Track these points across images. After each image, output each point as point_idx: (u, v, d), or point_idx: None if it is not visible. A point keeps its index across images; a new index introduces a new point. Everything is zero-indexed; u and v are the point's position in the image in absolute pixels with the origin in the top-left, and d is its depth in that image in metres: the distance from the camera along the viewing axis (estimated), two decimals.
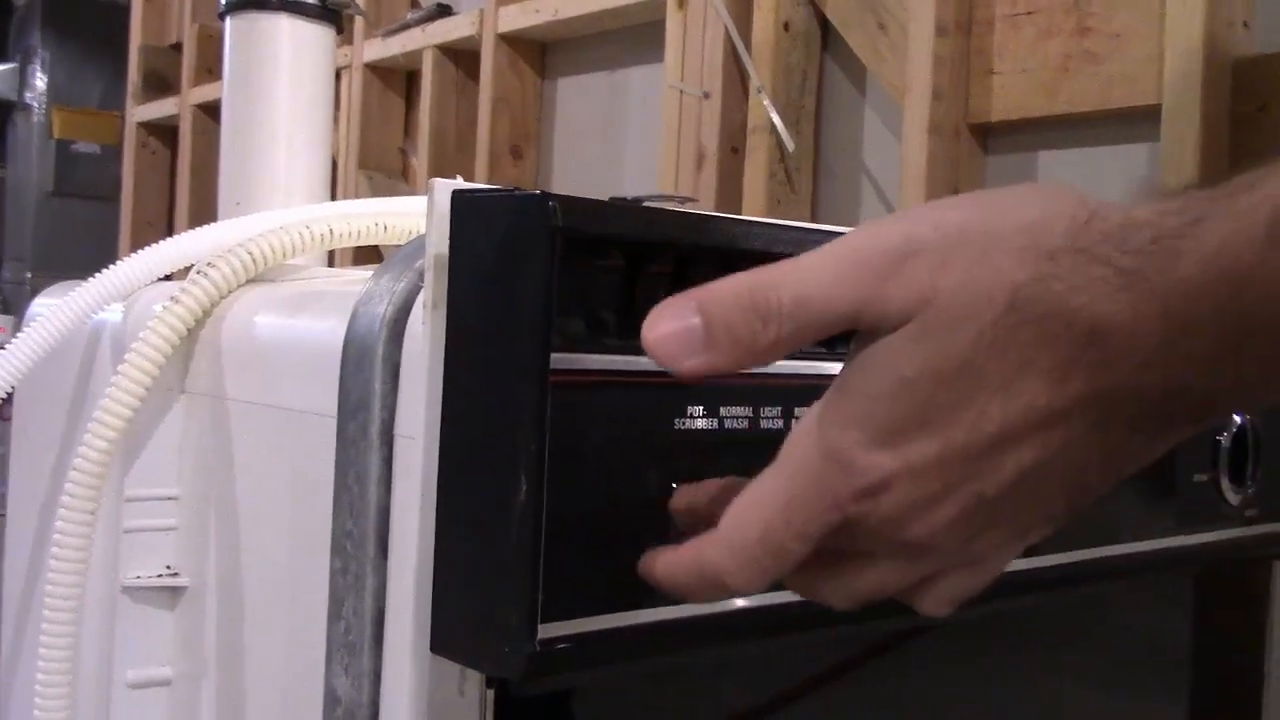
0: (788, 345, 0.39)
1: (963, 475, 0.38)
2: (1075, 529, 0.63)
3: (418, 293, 0.51)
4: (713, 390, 0.49)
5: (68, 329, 0.68)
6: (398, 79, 2.34)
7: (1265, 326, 0.35)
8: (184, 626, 0.66)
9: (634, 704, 0.55)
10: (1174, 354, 0.36)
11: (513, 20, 2.00)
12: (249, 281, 0.68)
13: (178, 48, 2.98)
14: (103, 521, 0.64)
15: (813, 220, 1.55)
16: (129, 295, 0.71)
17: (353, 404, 0.52)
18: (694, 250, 0.48)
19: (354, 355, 0.52)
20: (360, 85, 2.31)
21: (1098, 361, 0.36)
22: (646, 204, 0.54)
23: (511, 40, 2.04)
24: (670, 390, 0.48)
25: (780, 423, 0.51)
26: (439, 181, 0.47)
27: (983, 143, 1.39)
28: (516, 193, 0.45)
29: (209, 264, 0.67)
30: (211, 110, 2.70)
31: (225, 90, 0.92)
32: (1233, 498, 0.74)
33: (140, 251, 0.71)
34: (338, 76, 1.76)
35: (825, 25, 1.56)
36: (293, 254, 0.70)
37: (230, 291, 0.67)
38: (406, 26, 2.21)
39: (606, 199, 0.48)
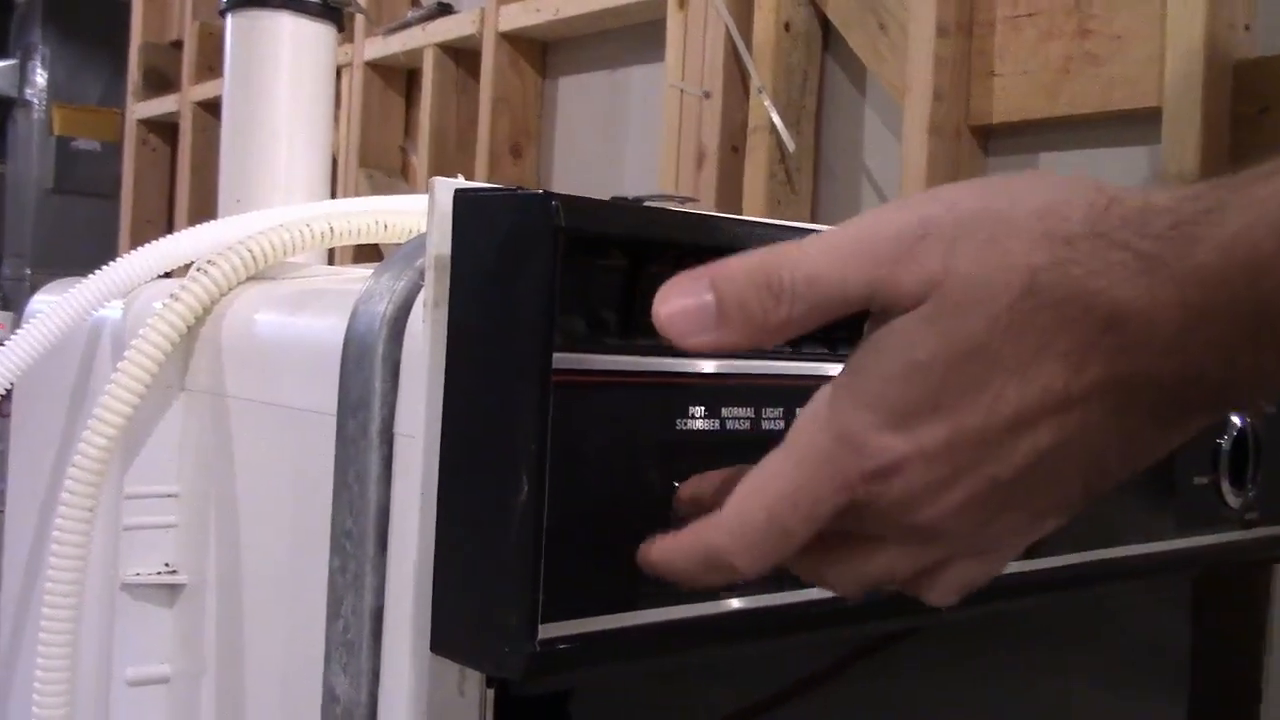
0: (799, 325, 0.39)
1: (976, 459, 0.38)
2: (1075, 531, 0.63)
3: (418, 291, 0.50)
4: (714, 391, 0.49)
5: (67, 326, 0.67)
6: (398, 77, 2.34)
7: None
8: (183, 624, 0.66)
9: (634, 704, 0.55)
10: (1192, 340, 0.36)
11: (513, 19, 2.00)
12: (249, 279, 0.68)
13: (178, 45, 2.98)
14: (102, 519, 0.64)
15: (813, 220, 1.55)
16: (129, 292, 0.71)
17: (353, 402, 0.52)
18: (695, 250, 0.48)
19: (354, 353, 0.52)
20: (361, 83, 2.31)
21: (1116, 346, 0.36)
22: (647, 204, 0.54)
23: (512, 39, 2.04)
24: (672, 390, 0.47)
25: (781, 424, 0.51)
26: (440, 180, 0.47)
27: (983, 144, 1.39)
28: (518, 192, 0.45)
29: (209, 261, 0.67)
30: (212, 108, 2.70)
31: (226, 88, 0.91)
32: (1233, 500, 0.74)
33: (140, 248, 0.71)
34: (338, 74, 1.76)
35: (826, 25, 1.56)
36: (293, 252, 0.70)
37: (230, 289, 0.67)
38: (407, 25, 2.21)
39: (607, 198, 0.48)
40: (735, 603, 0.50)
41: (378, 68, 2.31)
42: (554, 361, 0.43)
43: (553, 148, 2.09)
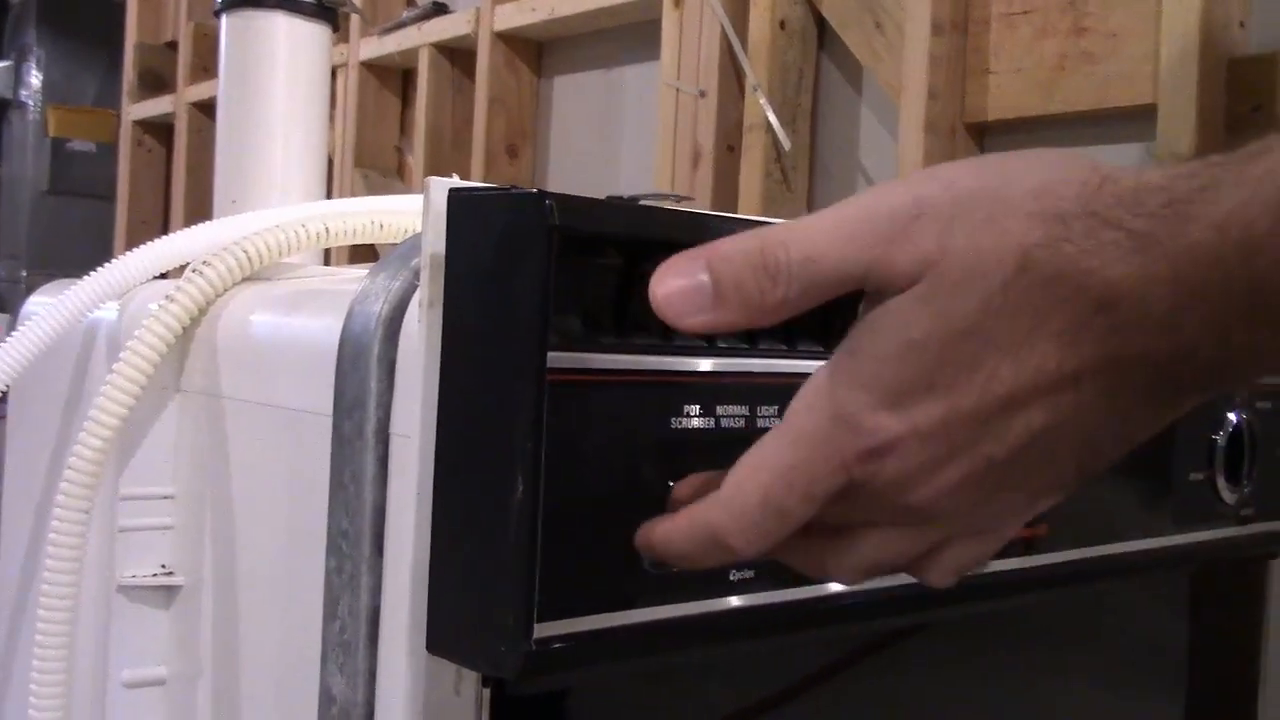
0: (795, 305, 0.39)
1: (970, 438, 0.38)
2: (1072, 528, 0.63)
3: (413, 291, 0.50)
4: (709, 389, 0.49)
5: (63, 327, 0.67)
6: (394, 77, 2.34)
7: (1277, 293, 0.35)
8: (179, 626, 0.66)
9: (631, 703, 0.55)
10: (1185, 319, 0.36)
11: (509, 19, 2.00)
12: (244, 280, 0.68)
13: (173, 46, 2.98)
14: (98, 520, 0.64)
15: None
16: (124, 293, 0.71)
17: (348, 403, 0.52)
18: (690, 249, 0.48)
19: (349, 354, 0.52)
20: (356, 83, 2.31)
21: (1109, 325, 0.36)
22: (643, 202, 0.54)
23: (508, 39, 2.04)
24: (667, 389, 0.47)
25: (777, 422, 0.51)
26: (435, 180, 0.47)
27: (979, 142, 1.39)
28: (513, 191, 0.45)
29: (204, 262, 0.67)
30: (207, 108, 2.70)
31: (221, 88, 0.91)
32: (1228, 496, 0.74)
33: (135, 250, 0.71)
34: (334, 75, 1.76)
35: (821, 24, 1.56)
36: (288, 252, 0.70)
37: (226, 290, 0.67)
38: (402, 25, 2.21)
39: (602, 198, 0.48)
40: (733, 601, 0.50)
41: (373, 68, 2.31)
42: (549, 360, 0.43)
43: (548, 147, 2.09)
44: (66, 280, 0.72)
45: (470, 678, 0.48)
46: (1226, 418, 0.73)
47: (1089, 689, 0.77)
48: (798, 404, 0.40)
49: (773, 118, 1.52)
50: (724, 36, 1.60)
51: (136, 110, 3.10)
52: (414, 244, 0.51)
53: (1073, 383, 0.37)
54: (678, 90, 1.66)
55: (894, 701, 0.66)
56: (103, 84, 4.27)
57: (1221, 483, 0.73)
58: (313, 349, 0.56)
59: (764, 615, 0.50)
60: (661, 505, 0.47)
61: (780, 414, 0.51)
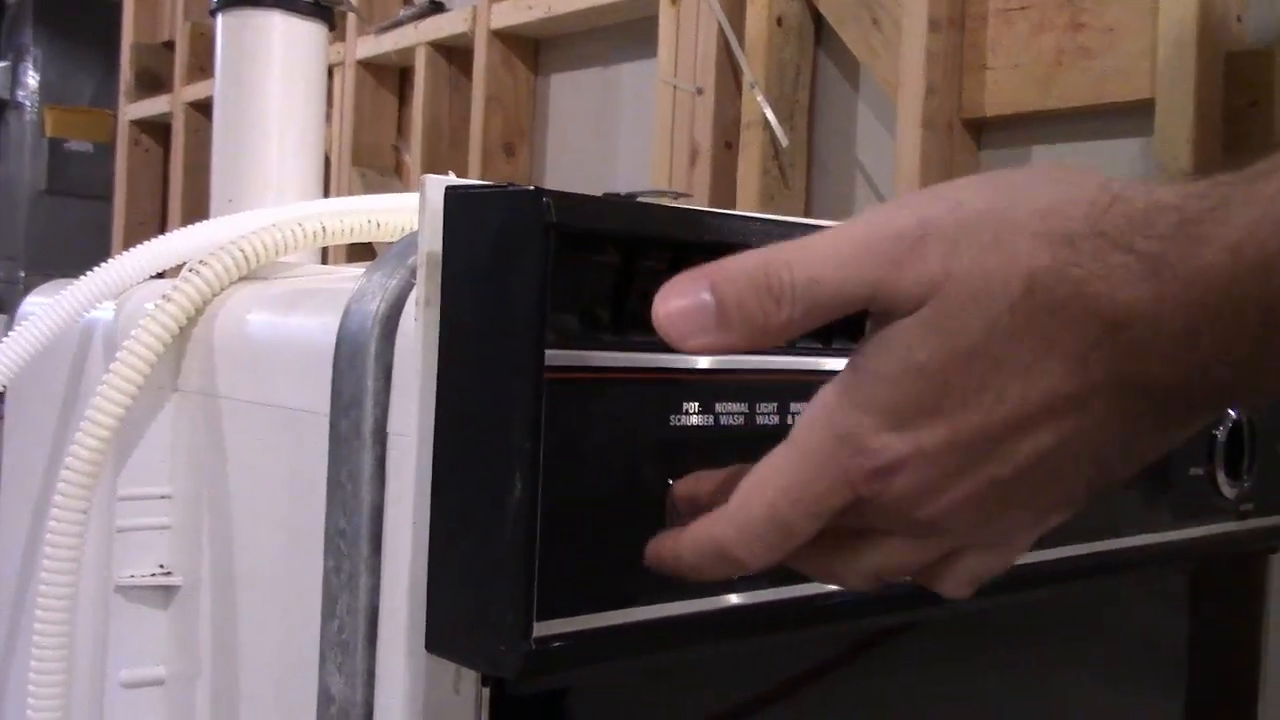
0: (799, 326, 0.39)
1: (976, 458, 0.38)
2: (1071, 524, 0.63)
3: (410, 290, 0.50)
4: (708, 386, 0.49)
5: (59, 328, 0.67)
6: (391, 76, 2.34)
7: None
8: (178, 626, 0.66)
9: (631, 701, 0.55)
10: (1198, 341, 0.35)
11: (505, 17, 2.00)
12: (241, 279, 0.68)
13: (170, 45, 2.98)
14: (95, 521, 0.64)
15: (807, 215, 1.55)
16: (120, 293, 0.71)
17: (345, 401, 0.52)
18: (688, 246, 0.48)
19: (346, 353, 0.52)
20: (353, 82, 2.30)
21: (1120, 349, 0.36)
22: (640, 200, 0.54)
23: (504, 37, 2.03)
24: (666, 386, 0.47)
25: (776, 418, 0.51)
26: (432, 178, 0.47)
27: (976, 138, 1.38)
28: (510, 189, 0.45)
29: (201, 262, 0.67)
30: (204, 108, 2.70)
31: (217, 87, 0.91)
32: (1228, 491, 0.74)
33: (132, 249, 0.71)
34: (330, 73, 1.76)
35: (818, 20, 1.56)
36: (285, 251, 0.70)
37: (222, 289, 0.67)
38: (399, 23, 2.20)
39: (600, 195, 0.48)
40: (733, 598, 0.49)
41: (370, 66, 2.31)
42: (547, 359, 0.43)
43: (545, 145, 2.08)
44: (63, 281, 0.72)
45: (469, 677, 0.48)
46: (1226, 413, 0.73)
47: (1089, 685, 0.77)
48: (804, 421, 0.40)
49: (770, 115, 1.52)
50: (721, 33, 1.60)
51: (133, 110, 3.10)
52: (410, 242, 0.51)
53: (1081, 405, 0.37)
54: (675, 87, 1.66)
55: (894, 698, 0.66)
56: (100, 84, 4.26)
57: (1221, 478, 0.73)
58: (309, 348, 0.56)
59: (763, 613, 0.50)
60: (661, 503, 0.47)
61: (779, 411, 0.51)
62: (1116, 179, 0.37)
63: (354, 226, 0.75)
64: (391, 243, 0.55)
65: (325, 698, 0.52)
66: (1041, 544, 0.61)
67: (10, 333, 0.68)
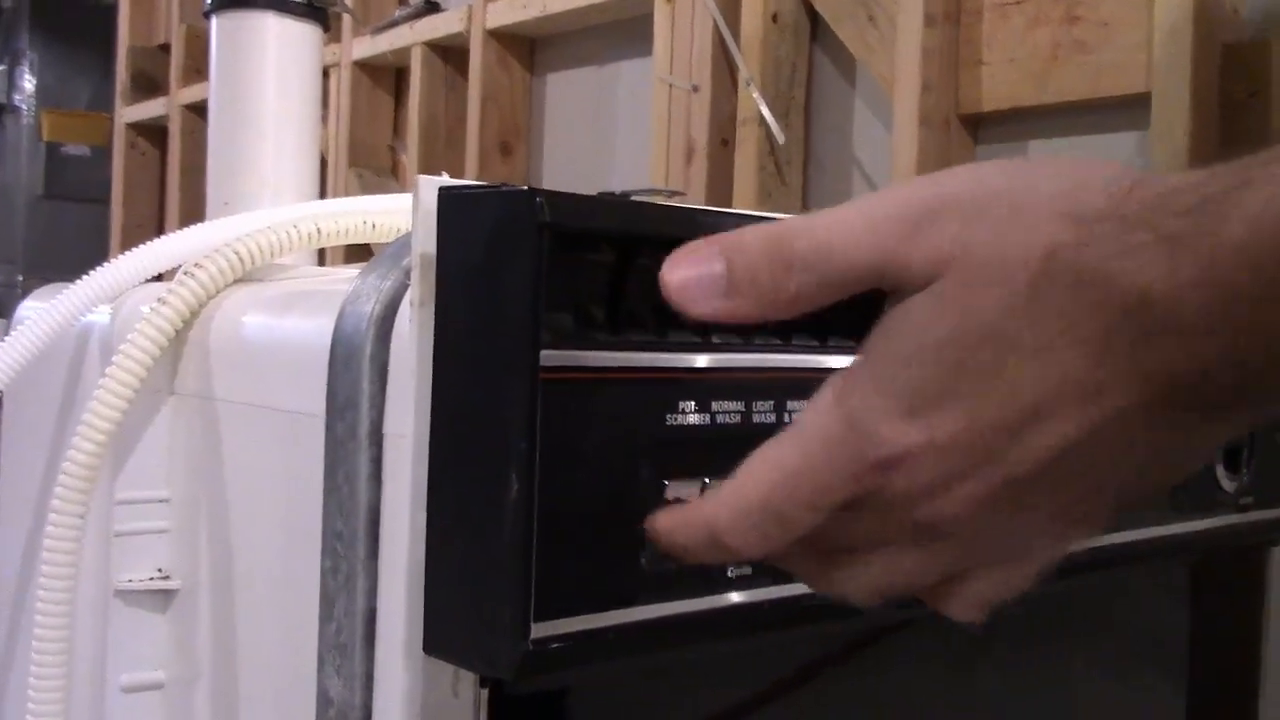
0: (811, 299, 0.38)
1: (990, 450, 0.36)
2: None
3: (405, 291, 0.50)
4: (704, 385, 0.48)
5: (55, 332, 0.67)
6: (386, 76, 2.34)
7: None
8: (177, 629, 0.66)
9: (629, 702, 0.55)
10: (1220, 322, 0.34)
11: (501, 16, 2.00)
12: (237, 281, 0.68)
13: (166, 48, 2.98)
14: (93, 525, 0.64)
15: (804, 212, 1.55)
16: (116, 297, 0.71)
17: (341, 403, 0.52)
18: (682, 244, 0.47)
19: (342, 354, 0.52)
20: (349, 83, 2.30)
21: (1140, 332, 0.34)
22: (634, 198, 0.54)
23: (500, 36, 2.03)
24: (662, 385, 0.47)
25: (773, 417, 0.50)
26: (425, 179, 0.47)
27: (973, 133, 1.38)
28: (503, 189, 0.45)
29: (196, 264, 0.67)
30: (200, 110, 2.70)
31: (212, 90, 0.91)
32: (1228, 485, 0.73)
33: (127, 253, 0.71)
34: (326, 74, 1.75)
35: (814, 17, 1.56)
36: (280, 253, 0.70)
37: (218, 292, 0.67)
38: (395, 24, 2.20)
39: (594, 194, 0.48)
40: (732, 597, 0.49)
41: (366, 67, 2.31)
42: (542, 358, 0.43)
43: (542, 144, 2.08)
44: (60, 285, 0.72)
45: (468, 678, 0.48)
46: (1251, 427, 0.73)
47: (1090, 679, 0.77)
48: (810, 407, 0.38)
49: (766, 112, 1.52)
50: (716, 31, 1.60)
51: (130, 113, 3.10)
52: (404, 243, 0.51)
53: (1102, 394, 0.35)
54: (671, 85, 1.66)
55: (893, 695, 0.66)
56: (96, 87, 4.26)
57: (1221, 471, 0.73)
58: (305, 350, 0.56)
59: (762, 612, 0.50)
60: (658, 502, 0.46)
61: (776, 409, 0.51)
62: (1135, 169, 0.37)
63: (349, 228, 0.75)
64: (387, 244, 0.55)
65: (324, 700, 0.52)
66: None
67: (6, 337, 0.67)
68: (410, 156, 2.17)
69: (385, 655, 0.50)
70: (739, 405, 0.49)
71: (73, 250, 3.90)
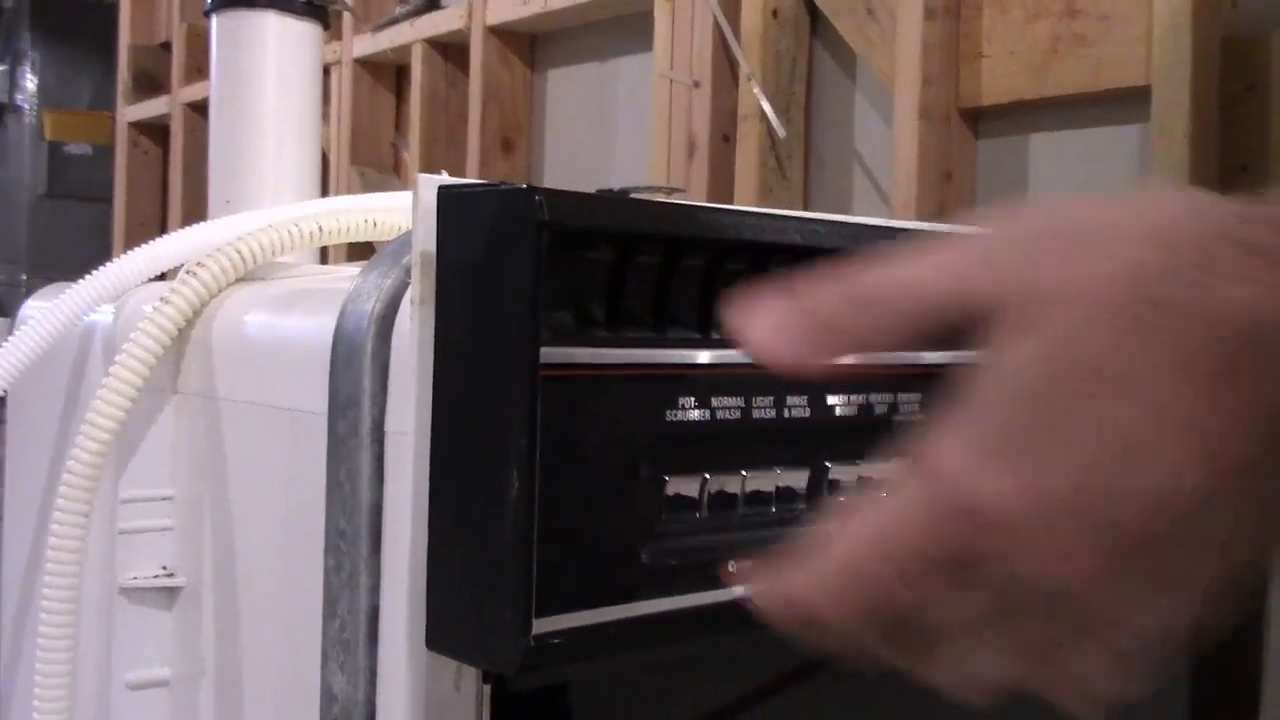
0: (893, 336, 0.35)
1: (1097, 502, 0.32)
2: None
3: (405, 289, 0.50)
4: (704, 381, 0.49)
5: (58, 331, 0.67)
6: (387, 74, 2.34)
7: None
8: (181, 627, 0.66)
9: (631, 696, 0.55)
10: None
11: (501, 13, 2.00)
12: (239, 280, 0.68)
13: (167, 47, 2.98)
14: (98, 523, 0.64)
15: (805, 207, 1.55)
16: (119, 296, 0.71)
17: (343, 401, 0.52)
18: (681, 241, 0.48)
19: (343, 353, 0.52)
20: (350, 81, 2.30)
21: (1249, 361, 0.31)
22: (633, 195, 0.54)
23: (500, 33, 2.03)
24: (661, 382, 0.47)
25: (772, 413, 0.51)
26: (424, 177, 0.47)
27: (973, 127, 1.38)
28: (502, 187, 0.45)
29: (198, 264, 0.67)
30: (202, 109, 2.70)
31: (213, 89, 0.91)
32: None
33: (130, 252, 0.71)
34: (327, 72, 1.76)
35: (814, 12, 1.56)
36: (281, 252, 0.70)
37: (220, 290, 0.67)
38: (395, 21, 2.20)
39: (595, 190, 0.48)
40: (734, 592, 0.50)
41: (366, 65, 2.31)
42: (542, 355, 0.43)
43: (543, 141, 2.08)
44: (63, 284, 0.72)
45: (470, 674, 0.48)
46: None
47: None
48: (901, 464, 0.34)
49: (767, 107, 1.52)
50: (716, 26, 1.60)
51: (131, 112, 3.10)
52: (405, 242, 0.51)
53: (1210, 433, 0.31)
54: (671, 81, 1.66)
55: (892, 694, 0.66)
56: (98, 86, 4.26)
57: None
58: (306, 348, 0.56)
59: None
60: (658, 498, 0.47)
61: (775, 406, 0.51)
62: (1210, 194, 0.34)
63: (350, 226, 0.75)
64: (388, 242, 0.56)
65: (328, 696, 0.52)
66: None
67: (10, 337, 0.68)
68: (412, 154, 2.17)
69: (388, 651, 0.50)
70: (739, 401, 0.50)
71: (75, 249, 3.91)
